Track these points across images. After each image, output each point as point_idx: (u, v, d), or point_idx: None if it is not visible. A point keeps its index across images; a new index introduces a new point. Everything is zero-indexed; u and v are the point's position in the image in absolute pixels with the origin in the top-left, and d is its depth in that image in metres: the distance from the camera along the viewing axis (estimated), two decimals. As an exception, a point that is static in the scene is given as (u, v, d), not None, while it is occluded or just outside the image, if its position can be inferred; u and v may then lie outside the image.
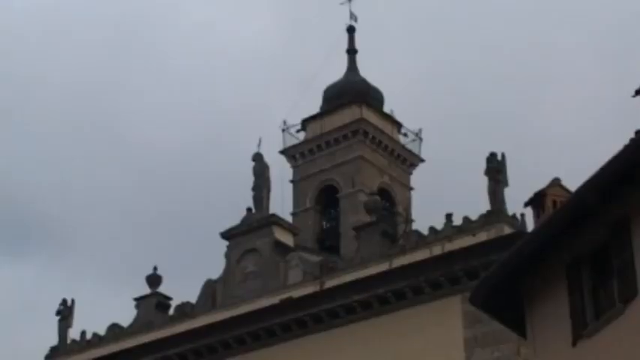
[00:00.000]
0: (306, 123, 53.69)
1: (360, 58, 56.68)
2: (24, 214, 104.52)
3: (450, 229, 38.42)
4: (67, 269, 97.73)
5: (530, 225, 31.99)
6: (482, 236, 37.12)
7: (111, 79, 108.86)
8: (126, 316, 46.43)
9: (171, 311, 45.49)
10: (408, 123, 54.88)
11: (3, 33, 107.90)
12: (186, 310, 44.68)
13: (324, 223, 50.21)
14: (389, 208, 48.94)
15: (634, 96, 26.52)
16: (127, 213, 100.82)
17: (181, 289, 45.91)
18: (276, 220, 45.16)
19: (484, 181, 38.12)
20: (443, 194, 51.02)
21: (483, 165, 38.21)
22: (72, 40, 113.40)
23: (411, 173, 54.03)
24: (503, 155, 37.97)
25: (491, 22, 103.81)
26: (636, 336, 23.68)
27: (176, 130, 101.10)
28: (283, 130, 53.82)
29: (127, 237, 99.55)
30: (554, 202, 29.14)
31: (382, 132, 52.70)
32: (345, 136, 51.69)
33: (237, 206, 45.77)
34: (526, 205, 31.37)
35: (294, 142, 53.49)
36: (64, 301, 48.14)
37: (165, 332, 44.18)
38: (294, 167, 53.05)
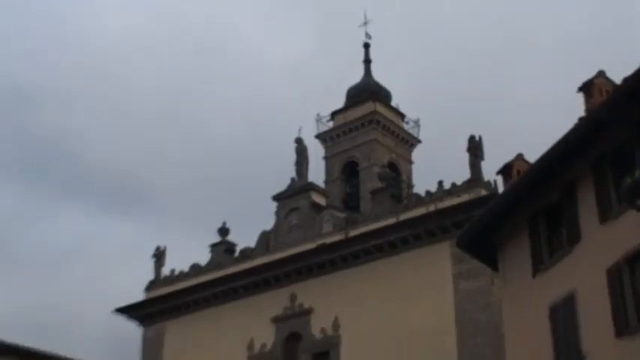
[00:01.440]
0: (334, 115, 53.83)
1: (373, 66, 56.98)
2: (127, 180, 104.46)
3: (441, 192, 38.51)
4: (160, 224, 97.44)
5: (500, 188, 31.87)
6: (465, 197, 37.26)
7: (194, 83, 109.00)
8: (203, 258, 46.58)
9: (236, 254, 45.54)
10: (410, 114, 55.20)
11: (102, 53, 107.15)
12: (247, 254, 44.82)
13: (348, 188, 50.23)
14: (395, 177, 48.95)
15: (577, 91, 26.46)
16: (205, 181, 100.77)
17: (243, 238, 45.99)
18: (312, 187, 45.29)
19: (466, 156, 38.31)
20: (435, 166, 51.05)
21: (465, 144, 38.37)
22: (162, 52, 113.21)
23: (411, 151, 54.04)
24: (480, 137, 38.31)
25: (471, 32, 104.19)
26: (580, 268, 23.61)
27: (240, 121, 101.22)
28: (317, 121, 53.94)
29: (204, 199, 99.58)
30: (519, 171, 29.13)
31: (390, 121, 52.82)
32: (362, 124, 51.77)
33: (284, 177, 45.88)
34: (497, 173, 31.59)
35: (326, 129, 53.50)
36: (158, 248, 48.35)
37: (231, 270, 44.33)
38: (326, 148, 53.08)
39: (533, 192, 26.41)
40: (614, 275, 22.72)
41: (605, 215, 23.51)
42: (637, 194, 20.92)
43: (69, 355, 41.93)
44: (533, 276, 26.53)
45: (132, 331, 48.72)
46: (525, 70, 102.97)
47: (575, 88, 27.18)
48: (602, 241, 23.51)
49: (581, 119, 24.90)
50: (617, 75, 23.59)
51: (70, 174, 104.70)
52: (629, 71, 21.29)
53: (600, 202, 23.82)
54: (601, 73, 26.81)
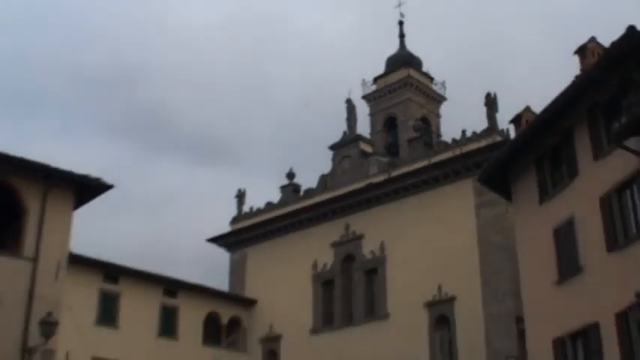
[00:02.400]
0: (376, 79, 53.73)
1: (407, 40, 56.61)
2: (214, 137, 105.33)
3: (464, 139, 38.39)
4: (240, 171, 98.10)
5: (512, 134, 31.89)
6: (483, 142, 37.09)
7: (263, 58, 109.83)
8: (275, 197, 46.96)
9: (301, 193, 45.81)
10: (437, 77, 55.01)
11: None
12: (309, 192, 45.00)
13: (389, 138, 50.21)
14: (427, 128, 48.71)
15: (574, 54, 26.28)
16: (276, 136, 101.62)
17: (307, 180, 46.30)
18: (360, 138, 45.28)
19: (484, 109, 38.14)
20: (459, 118, 50.89)
21: (483, 100, 38.27)
22: (237, 33, 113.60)
23: (439, 107, 53.91)
24: (495, 94, 38.18)
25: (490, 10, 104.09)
26: (578, 197, 23.56)
27: (302, 87, 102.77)
28: (363, 85, 53.96)
29: (275, 150, 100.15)
30: (527, 121, 29.09)
31: (421, 83, 52.75)
32: (399, 86, 51.71)
33: (338, 130, 45.98)
34: (510, 122, 31.52)
35: (370, 91, 53.47)
36: (239, 190, 48.83)
37: (297, 206, 44.62)
38: (370, 106, 53.05)
39: (538, 137, 26.48)
40: (606, 202, 22.82)
41: (598, 154, 23.56)
42: (623, 136, 21.00)
43: (174, 276, 42.73)
44: (540, 204, 26.61)
45: (221, 256, 49.47)
46: (531, 37, 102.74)
47: (572, 52, 27.09)
48: (595, 175, 23.56)
49: (577, 77, 24.94)
50: (607, 40, 23.62)
51: (167, 133, 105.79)
52: (616, 37, 21.62)
53: (593, 143, 23.87)
54: (593, 39, 26.72)
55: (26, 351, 25.11)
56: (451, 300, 36.21)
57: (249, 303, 44.97)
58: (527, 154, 27.35)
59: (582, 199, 24.05)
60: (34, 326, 25.15)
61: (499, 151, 30.96)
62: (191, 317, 42.06)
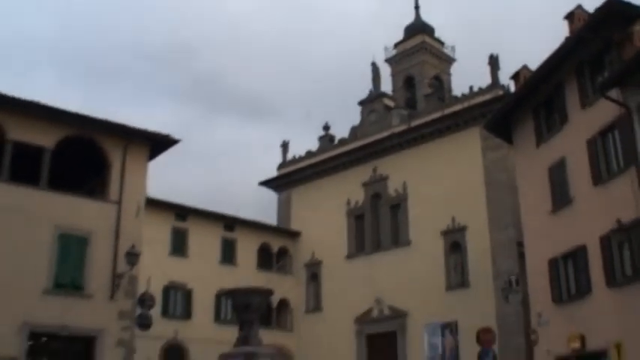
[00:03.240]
0: (396, 45, 53.33)
1: (421, 10, 56.03)
2: (261, 97, 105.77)
3: (471, 94, 38.25)
4: (285, 125, 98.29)
5: (512, 89, 31.71)
6: (488, 96, 36.98)
7: (301, 28, 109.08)
8: (313, 146, 47.07)
9: (335, 142, 45.90)
10: (448, 42, 54.49)
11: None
12: (342, 142, 45.09)
13: (408, 94, 49.94)
14: (440, 85, 48.59)
15: (563, 19, 26.10)
16: (314, 94, 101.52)
17: (340, 131, 46.34)
18: (384, 94, 45.28)
19: (487, 68, 37.90)
20: (466, 76, 50.80)
21: (487, 60, 38.02)
22: (278, 9, 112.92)
23: (450, 67, 53.50)
24: (497, 55, 37.81)
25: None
26: (568, 140, 23.59)
27: (336, 53, 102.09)
28: (385, 50, 53.70)
29: (312, 105, 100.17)
30: (524, 77, 28.82)
31: (434, 47, 52.35)
32: (416, 51, 51.43)
33: (365, 89, 46.06)
34: (510, 79, 31.27)
35: (391, 55, 53.12)
36: (284, 141, 49.03)
37: (333, 153, 44.79)
38: (392, 68, 52.74)
39: (534, 90, 26.45)
40: (592, 144, 22.89)
41: (585, 103, 23.60)
42: (606, 88, 21.06)
43: (232, 214, 43.28)
44: (537, 147, 26.65)
45: (271, 196, 49.91)
46: (529, 7, 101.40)
47: (562, 17, 26.89)
48: (582, 121, 23.58)
49: (566, 38, 24.75)
50: (591, 7, 23.54)
51: (223, 96, 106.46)
52: (599, 4, 21.62)
53: (581, 94, 23.89)
54: (579, 6, 26.43)
55: (116, 276, 25.77)
56: (462, 229, 36.45)
57: (295, 235, 45.46)
58: (525, 105, 27.32)
59: (572, 142, 24.07)
60: (121, 257, 25.80)
61: (501, 103, 31.03)
62: (247, 247, 42.71)
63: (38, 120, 25.68)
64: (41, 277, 24.61)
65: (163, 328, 35.93)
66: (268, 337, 20.66)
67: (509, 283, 31.66)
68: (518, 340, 31.87)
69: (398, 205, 40.56)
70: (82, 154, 27.03)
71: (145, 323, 28.81)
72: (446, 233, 37.08)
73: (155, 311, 32.22)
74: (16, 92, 24.81)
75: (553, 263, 24.76)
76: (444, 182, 37.31)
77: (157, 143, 28.36)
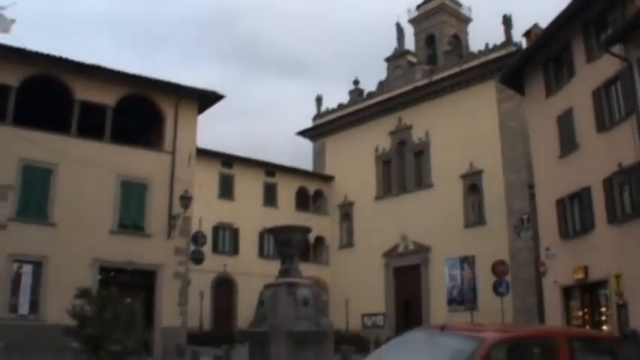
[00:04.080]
0: (418, 7, 52.51)
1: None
2: (297, 56, 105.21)
3: (487, 50, 37.86)
4: (318, 80, 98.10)
5: (524, 45, 31.32)
6: (502, 52, 36.59)
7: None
8: (345, 99, 47.00)
9: (364, 95, 45.78)
10: (465, 3, 53.51)
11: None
12: (371, 95, 44.99)
13: (429, 51, 49.42)
14: (458, 42, 48.07)
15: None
16: (345, 52, 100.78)
17: (368, 85, 46.12)
18: (408, 52, 44.87)
19: (502, 27, 37.38)
20: (482, 35, 50.05)
21: (501, 19, 37.48)
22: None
23: (467, 26, 52.72)
24: (510, 15, 37.24)
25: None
26: (575, 92, 23.50)
27: (360, 16, 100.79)
28: (408, 11, 52.94)
29: (344, 63, 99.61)
30: (535, 34, 28.46)
31: (453, 8, 51.43)
32: (436, 11, 50.63)
33: (391, 47, 45.73)
34: (522, 36, 30.89)
35: (414, 16, 52.39)
36: (318, 95, 48.98)
37: (362, 105, 44.69)
38: (415, 27, 52.11)
39: (544, 46, 26.13)
40: (596, 95, 22.72)
41: (590, 58, 23.36)
42: (609, 44, 20.83)
43: (272, 161, 43.67)
44: (546, 98, 26.46)
45: (306, 145, 50.13)
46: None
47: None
48: (588, 74, 23.37)
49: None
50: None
51: (262, 56, 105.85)
52: None
53: (587, 50, 23.62)
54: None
55: (172, 218, 26.37)
56: (479, 172, 36.49)
57: (329, 179, 45.76)
58: (536, 60, 27.06)
59: (578, 93, 23.89)
60: (175, 200, 26.37)
61: (514, 59, 30.71)
62: (286, 191, 43.16)
63: (101, 81, 26.12)
64: (108, 220, 25.37)
65: (214, 263, 36.78)
66: (306, 270, 21.06)
67: (521, 221, 31.82)
68: (528, 271, 32.12)
69: (421, 152, 40.61)
70: (140, 110, 27.46)
71: (198, 258, 29.51)
72: (464, 176, 37.15)
73: (206, 248, 32.98)
74: (80, 58, 25.26)
75: (560, 203, 24.82)
76: (462, 131, 37.21)
77: (205, 99, 28.71)
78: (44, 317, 23.06)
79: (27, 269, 23.67)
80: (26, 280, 23.62)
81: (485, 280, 31.06)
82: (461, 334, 6.03)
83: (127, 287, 22.56)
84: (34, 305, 23.46)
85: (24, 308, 23.42)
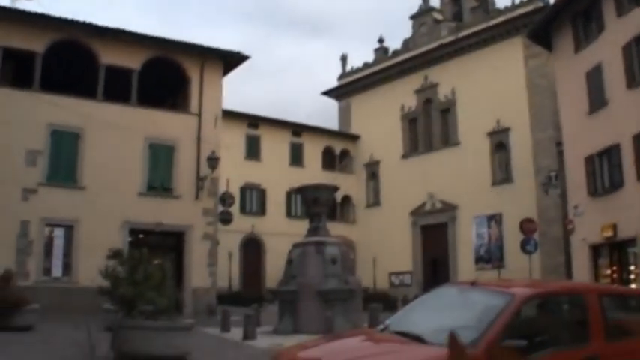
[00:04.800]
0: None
1: None
2: (322, 14, 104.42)
3: (514, 6, 37.26)
4: (343, 40, 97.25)
5: (552, 1, 30.74)
6: (530, 7, 35.93)
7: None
8: (370, 58, 46.66)
9: (389, 54, 45.39)
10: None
11: None
12: (396, 53, 44.61)
13: (455, 7, 48.40)
14: (486, 3, 47.25)
15: None
16: (369, 11, 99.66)
17: (393, 44, 45.71)
18: (433, 9, 44.19)
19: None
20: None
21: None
22: None
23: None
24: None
25: None
26: (604, 47, 23.19)
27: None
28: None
29: (369, 22, 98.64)
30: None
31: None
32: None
33: (416, 4, 45.06)
34: (550, -8, 30.25)
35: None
36: (343, 54, 48.69)
37: (387, 63, 44.36)
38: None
39: (573, 1, 25.77)
40: (626, 50, 22.49)
41: (620, 12, 23.08)
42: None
43: (298, 121, 43.67)
44: (575, 53, 26.15)
45: (332, 105, 50.07)
46: None
47: None
48: (618, 29, 23.07)
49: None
50: None
51: (286, 15, 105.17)
52: None
53: (617, 4, 23.32)
54: None
55: (199, 179, 26.65)
56: (506, 130, 36.23)
57: (355, 138, 45.73)
58: (564, 15, 26.68)
59: (608, 48, 23.59)
60: (203, 162, 26.66)
61: (542, 14, 30.21)
62: (312, 150, 43.25)
63: (126, 45, 26.26)
64: (136, 182, 25.74)
65: (242, 224, 37.13)
66: (333, 229, 21.30)
67: (548, 179, 31.63)
68: (556, 229, 32.04)
69: (447, 110, 40.36)
70: (165, 73, 27.59)
71: (226, 219, 29.81)
72: (491, 134, 36.92)
73: (234, 209, 33.29)
74: (104, 22, 25.35)
75: (589, 160, 24.66)
76: (489, 88, 36.88)
77: (230, 60, 28.76)
78: (77, 279, 23.64)
79: (59, 233, 24.23)
80: (58, 244, 24.22)
81: (512, 238, 31.07)
82: (492, 290, 6.10)
83: (157, 249, 22.98)
84: (66, 268, 24.07)
85: (57, 271, 24.06)
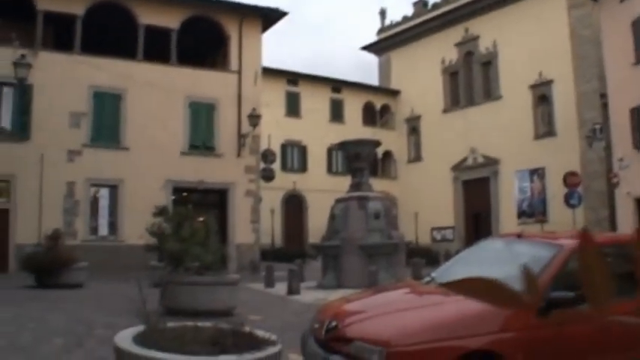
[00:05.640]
0: None
1: None
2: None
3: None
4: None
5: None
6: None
7: None
8: (409, 12, 45.99)
9: (429, 7, 44.59)
10: None
11: None
12: (436, 5, 43.82)
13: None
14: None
15: None
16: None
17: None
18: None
19: None
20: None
21: None
22: None
23: None
24: None
25: None
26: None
27: None
28: None
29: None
30: None
31: None
32: None
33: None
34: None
35: None
36: (382, 8, 48.13)
37: (427, 16, 43.64)
38: None
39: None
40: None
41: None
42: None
43: (338, 77, 43.53)
44: (620, 2, 25.48)
45: (372, 60, 49.65)
46: None
47: None
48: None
49: None
50: None
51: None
52: None
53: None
54: None
55: (241, 136, 26.83)
56: (549, 82, 35.56)
57: (395, 93, 45.38)
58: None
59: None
60: (244, 119, 26.82)
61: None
62: (353, 106, 43.09)
63: (164, 5, 26.35)
64: (178, 141, 26.05)
65: (283, 181, 37.41)
66: (375, 184, 21.31)
67: (592, 132, 31.09)
68: (600, 183, 31.59)
69: (489, 63, 39.73)
70: (204, 31, 27.65)
71: (268, 176, 30.06)
72: (534, 87, 36.29)
73: (275, 166, 33.54)
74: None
75: (635, 112, 24.20)
76: (531, 39, 36.12)
77: (268, 17, 28.69)
78: (122, 238, 24.19)
79: (104, 193, 24.75)
80: (103, 203, 24.77)
81: (555, 192, 30.75)
82: (539, 241, 6.09)
83: (200, 206, 23.26)
84: (112, 227, 24.65)
85: (103, 230, 24.67)
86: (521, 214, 35.81)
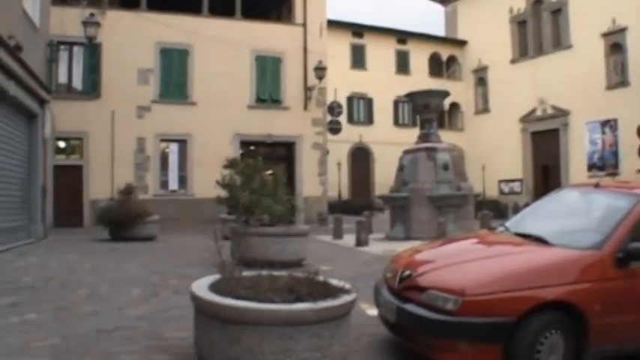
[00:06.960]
0: None
1: None
2: None
3: None
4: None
5: None
6: None
7: None
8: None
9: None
10: None
11: None
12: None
13: None
14: None
15: None
16: None
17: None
18: None
19: None
20: None
21: None
22: None
23: None
24: None
25: None
26: None
27: None
28: None
29: None
30: None
31: None
32: None
33: None
34: None
35: None
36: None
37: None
38: None
39: None
40: None
41: None
42: None
43: (403, 28, 42.91)
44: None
45: (438, 10, 48.65)
46: None
47: None
48: None
49: None
50: None
51: None
52: None
53: None
54: None
55: (307, 89, 26.84)
56: (623, 30, 34.21)
57: (462, 43, 44.50)
58: None
59: None
60: (310, 72, 26.78)
61: None
62: (419, 57, 42.51)
63: (229, -42, 26.27)
64: (245, 95, 26.24)
65: (350, 133, 37.38)
66: (442, 136, 21.01)
67: (669, 79, 29.98)
68: (677, 132, 30.54)
69: (559, 10, 38.44)
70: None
71: (335, 128, 30.01)
72: (606, 35, 35.00)
73: (342, 119, 33.42)
74: None
75: None
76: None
77: (333, -31, 28.33)
78: (192, 192, 24.67)
79: (173, 147, 25.20)
80: (173, 158, 25.25)
81: (628, 144, 29.90)
82: (617, 191, 5.93)
83: (268, 159, 23.44)
84: (182, 181, 25.15)
85: (173, 184, 25.20)
86: (592, 166, 34.96)
